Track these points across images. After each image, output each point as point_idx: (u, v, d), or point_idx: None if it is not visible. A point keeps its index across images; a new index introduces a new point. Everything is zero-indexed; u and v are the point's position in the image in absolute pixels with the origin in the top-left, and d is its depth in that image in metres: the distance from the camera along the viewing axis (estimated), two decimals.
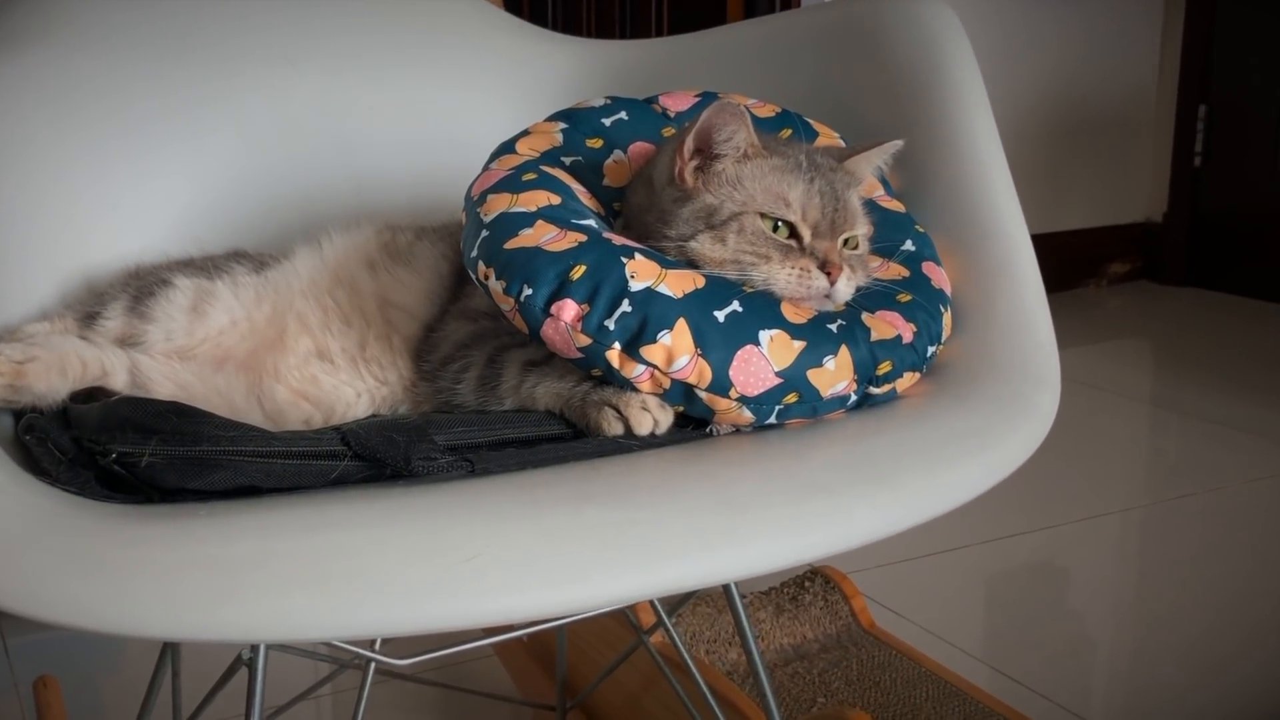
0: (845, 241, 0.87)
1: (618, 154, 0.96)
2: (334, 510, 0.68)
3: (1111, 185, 3.56)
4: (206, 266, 0.99)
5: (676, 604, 1.22)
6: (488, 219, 0.84)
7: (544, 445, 0.78)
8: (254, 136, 1.18)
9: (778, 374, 0.77)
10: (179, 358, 0.94)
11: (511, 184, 0.88)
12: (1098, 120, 3.47)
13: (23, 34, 1.11)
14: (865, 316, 0.84)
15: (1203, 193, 3.51)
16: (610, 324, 0.77)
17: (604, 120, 0.98)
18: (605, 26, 3.19)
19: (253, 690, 0.77)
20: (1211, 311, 3.35)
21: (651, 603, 1.19)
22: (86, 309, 0.97)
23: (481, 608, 0.60)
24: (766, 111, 1.02)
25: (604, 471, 0.74)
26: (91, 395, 0.85)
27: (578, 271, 0.78)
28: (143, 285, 0.97)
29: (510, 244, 0.81)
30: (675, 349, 0.77)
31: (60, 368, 0.86)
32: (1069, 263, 3.43)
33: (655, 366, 0.77)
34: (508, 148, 0.95)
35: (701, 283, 0.80)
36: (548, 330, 0.78)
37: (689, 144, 0.86)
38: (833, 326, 0.81)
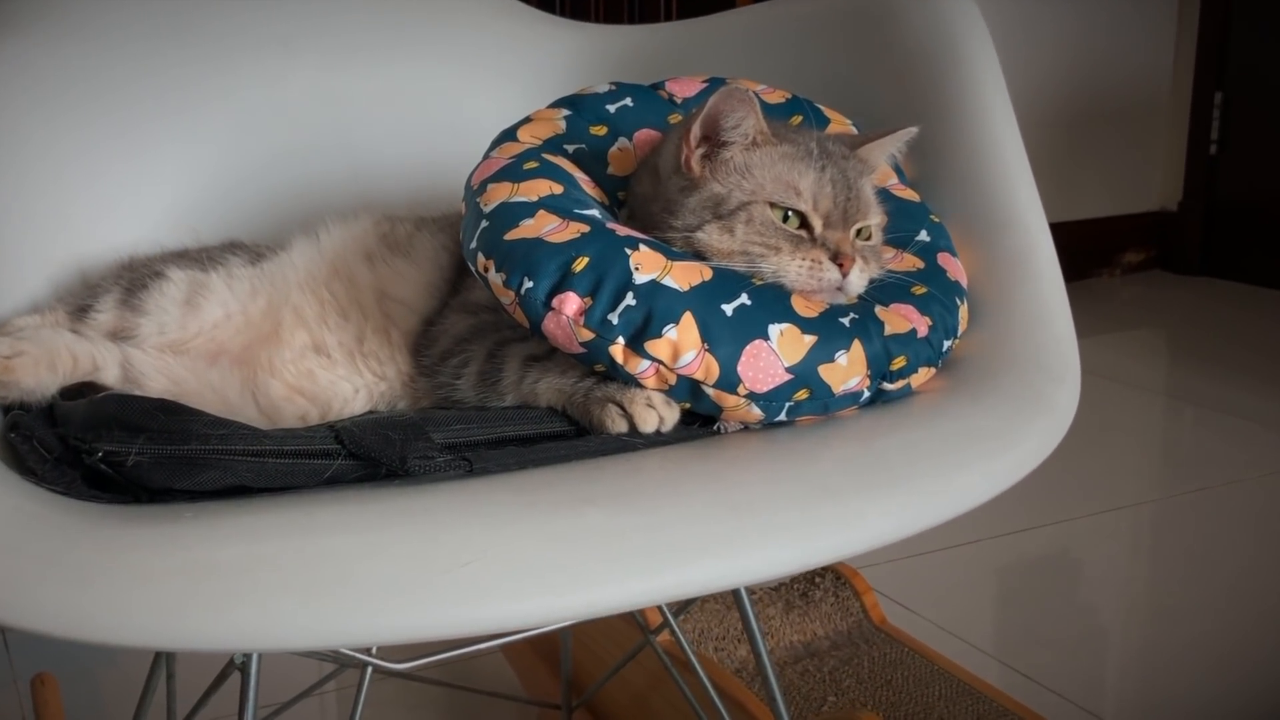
0: (858, 232, 0.85)
1: (623, 141, 0.94)
2: (325, 513, 0.66)
3: (1125, 173, 3.53)
4: (201, 258, 0.97)
5: (683, 605, 1.21)
6: (488, 209, 0.82)
7: (545, 444, 0.76)
8: (250, 125, 1.17)
9: (788, 370, 0.75)
10: (172, 352, 0.92)
11: (512, 173, 0.86)
12: (1112, 107, 3.43)
13: (13, 20, 1.09)
14: (879, 310, 0.81)
15: (1219, 181, 3.47)
16: (614, 318, 0.75)
17: (609, 106, 0.96)
18: (613, 12, 3.17)
19: (245, 696, 0.75)
20: (1227, 301, 3.33)
21: None
22: (78, 302, 0.95)
23: (477, 616, 0.58)
24: (776, 97, 0.99)
25: (607, 472, 0.72)
26: (82, 391, 0.83)
27: (580, 263, 0.76)
28: (135, 277, 0.95)
29: (511, 235, 0.79)
30: (681, 344, 0.75)
31: (49, 362, 0.84)
32: (1082, 252, 3.41)
33: (660, 362, 0.75)
34: (509, 135, 0.93)
35: (709, 275, 0.78)
36: (549, 324, 0.76)
37: (695, 131, 0.84)
38: (845, 320, 0.79)
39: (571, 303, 0.75)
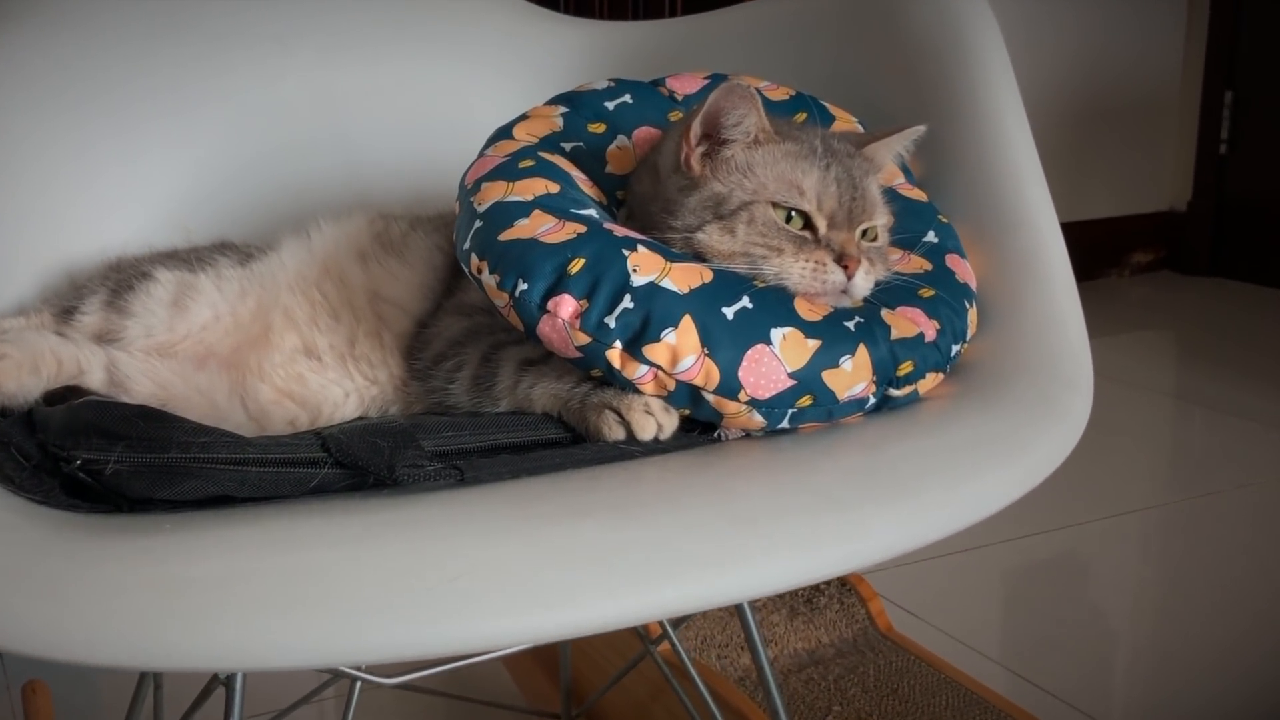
0: (863, 233, 0.83)
1: (621, 139, 0.92)
2: (309, 525, 0.64)
3: (1134, 173, 3.51)
4: (189, 259, 0.96)
5: (684, 615, 1.18)
6: (482, 208, 0.80)
7: (540, 451, 0.74)
8: (244, 121, 1.15)
9: (791, 375, 0.73)
10: (159, 355, 0.90)
11: (507, 171, 0.84)
12: (1121, 106, 3.41)
13: (3, 16, 1.07)
14: (885, 313, 0.80)
15: (1228, 181, 3.45)
16: (611, 321, 0.73)
17: (607, 104, 0.94)
18: (618, 8, 3.15)
19: (230, 712, 0.73)
20: (1237, 302, 3.30)
21: None
22: (64, 303, 0.94)
23: (466, 633, 0.56)
24: (780, 94, 0.98)
25: (603, 482, 0.70)
26: (65, 395, 0.81)
27: (576, 265, 0.74)
28: (122, 279, 0.93)
29: (505, 235, 0.77)
30: (680, 348, 0.73)
31: (32, 366, 0.83)
32: (1090, 252, 3.38)
33: (659, 367, 0.73)
34: (504, 133, 0.91)
35: (709, 277, 0.76)
36: (544, 327, 0.74)
37: (696, 128, 0.82)
38: (850, 324, 0.77)
39: (567, 305, 0.73)
